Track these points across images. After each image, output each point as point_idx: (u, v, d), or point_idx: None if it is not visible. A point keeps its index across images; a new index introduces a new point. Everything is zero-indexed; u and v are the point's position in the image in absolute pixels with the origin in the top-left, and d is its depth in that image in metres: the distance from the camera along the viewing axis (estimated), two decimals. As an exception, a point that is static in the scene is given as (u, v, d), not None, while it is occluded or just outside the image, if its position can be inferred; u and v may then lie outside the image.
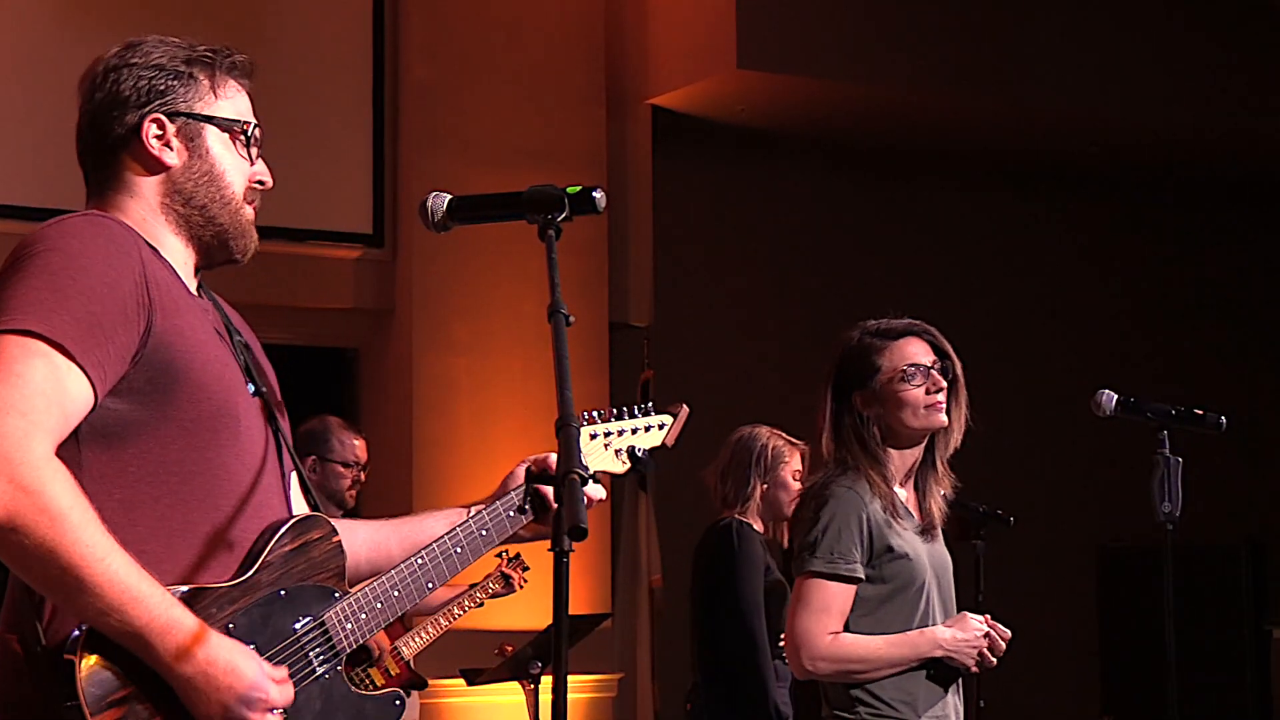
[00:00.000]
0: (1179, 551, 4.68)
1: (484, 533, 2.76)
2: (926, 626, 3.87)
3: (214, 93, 2.63)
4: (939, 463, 3.97)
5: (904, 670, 3.83)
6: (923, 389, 3.88)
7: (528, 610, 6.44)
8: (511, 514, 2.79)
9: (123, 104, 2.59)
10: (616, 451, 2.96)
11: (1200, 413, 4.70)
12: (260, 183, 2.68)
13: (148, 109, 2.59)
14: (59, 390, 2.36)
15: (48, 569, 2.31)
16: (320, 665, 2.55)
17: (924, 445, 3.95)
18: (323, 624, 2.56)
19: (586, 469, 2.28)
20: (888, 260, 9.93)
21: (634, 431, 2.98)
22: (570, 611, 2.26)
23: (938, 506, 3.97)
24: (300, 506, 2.68)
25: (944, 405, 3.89)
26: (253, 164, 2.67)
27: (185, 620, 2.36)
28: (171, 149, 2.60)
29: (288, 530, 2.57)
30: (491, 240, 7.50)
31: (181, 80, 2.61)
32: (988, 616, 3.91)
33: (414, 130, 8.22)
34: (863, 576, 3.83)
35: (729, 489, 5.65)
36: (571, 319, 2.41)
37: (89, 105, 2.61)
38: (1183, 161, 10.22)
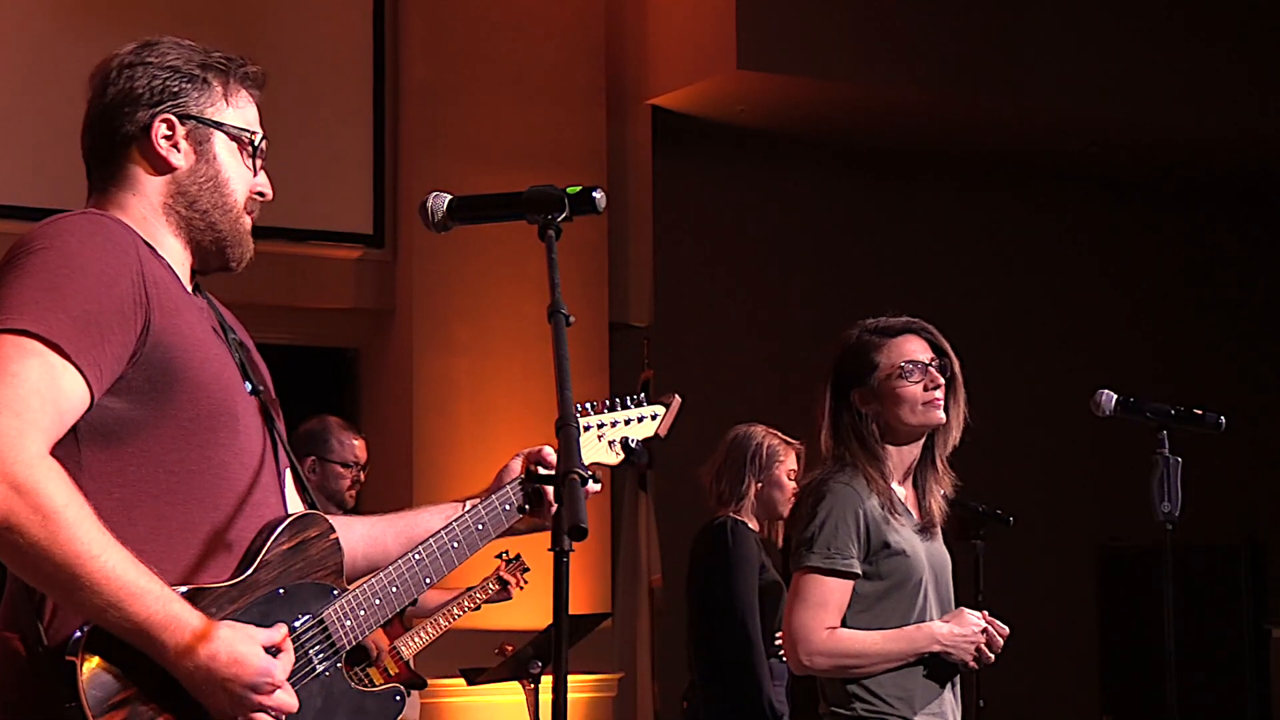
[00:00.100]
0: (1179, 551, 4.68)
1: (480, 527, 2.77)
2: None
3: (226, 100, 2.65)
4: (938, 461, 3.97)
5: (901, 667, 3.83)
6: (920, 385, 3.89)
7: (528, 610, 6.44)
8: (507, 508, 2.80)
9: (135, 101, 2.59)
10: (610, 443, 2.98)
11: (1200, 413, 4.71)
12: (261, 194, 2.69)
13: (159, 109, 2.59)
14: (54, 390, 2.36)
15: (44, 567, 2.32)
16: (320, 663, 2.56)
17: (922, 443, 3.96)
18: (322, 621, 2.56)
19: (586, 469, 2.29)
20: (888, 260, 9.93)
21: (627, 423, 2.99)
22: (570, 611, 2.26)
23: (938, 505, 3.97)
24: (296, 505, 2.68)
25: (942, 402, 3.90)
26: (255, 175, 2.68)
27: (185, 615, 2.36)
28: (179, 151, 2.61)
29: (285, 529, 2.57)
30: (491, 240, 7.51)
31: (195, 84, 2.62)
32: (985, 613, 3.92)
33: (414, 130, 8.22)
34: (860, 572, 3.84)
35: (724, 487, 5.66)
36: (571, 319, 2.42)
37: (100, 99, 2.61)
38: (1183, 161, 10.22)
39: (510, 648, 6.29)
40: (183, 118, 2.60)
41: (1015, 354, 10.10)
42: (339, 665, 2.59)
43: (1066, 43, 9.19)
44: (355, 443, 5.92)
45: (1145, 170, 10.33)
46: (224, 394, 2.53)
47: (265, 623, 2.48)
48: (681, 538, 6.09)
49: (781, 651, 5.01)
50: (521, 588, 6.17)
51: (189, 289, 2.62)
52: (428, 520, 2.79)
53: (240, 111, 2.66)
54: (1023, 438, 9.80)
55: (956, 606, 3.98)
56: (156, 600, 2.35)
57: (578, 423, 2.38)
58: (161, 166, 2.60)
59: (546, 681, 6.12)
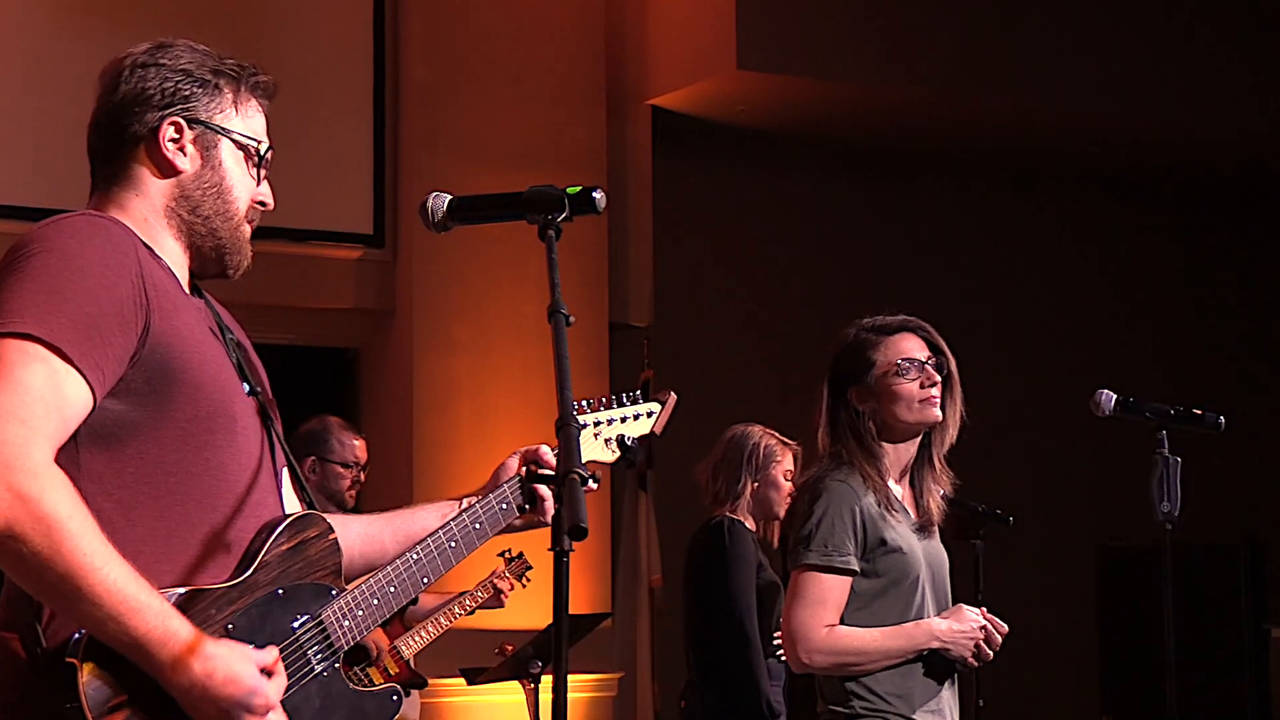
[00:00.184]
0: (1178, 551, 4.68)
1: (478, 526, 2.78)
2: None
3: (235, 107, 2.65)
4: (936, 460, 3.98)
5: (900, 664, 3.84)
6: (917, 383, 3.90)
7: (528, 610, 6.44)
8: (505, 507, 2.80)
9: (145, 102, 2.59)
10: (606, 441, 2.99)
11: (1199, 413, 4.71)
12: (262, 204, 2.69)
13: (169, 111, 2.59)
14: (58, 395, 2.35)
15: (46, 577, 2.31)
16: (319, 663, 2.56)
17: (919, 441, 3.96)
18: (321, 622, 2.56)
19: (586, 469, 2.29)
20: (888, 260, 9.93)
21: (623, 420, 3.00)
22: (570, 611, 2.26)
23: (936, 504, 3.98)
24: (293, 505, 2.68)
25: (938, 400, 3.91)
26: (259, 184, 2.68)
27: (182, 631, 2.36)
28: (185, 155, 2.61)
29: (284, 529, 2.57)
30: (491, 240, 7.51)
31: (206, 89, 2.62)
32: (984, 610, 3.92)
33: (414, 130, 8.22)
34: (857, 569, 3.84)
35: (720, 486, 5.67)
36: (571, 319, 2.42)
37: (110, 97, 2.61)
38: (1183, 161, 10.22)
39: (510, 647, 6.29)
40: (191, 122, 2.61)
41: (1015, 354, 10.10)
42: (337, 665, 2.59)
43: (1066, 43, 9.19)
44: (355, 443, 5.92)
45: (1145, 170, 10.33)
46: (222, 395, 2.53)
47: (264, 624, 2.49)
48: (682, 538, 6.09)
49: (779, 651, 5.02)
50: (524, 586, 6.17)
51: (187, 290, 2.62)
52: (424, 519, 2.79)
53: (248, 120, 2.67)
54: (1022, 438, 9.80)
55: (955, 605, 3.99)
56: (155, 615, 2.34)
57: (577, 423, 2.38)
58: (167, 169, 2.60)
59: (546, 681, 6.13)
